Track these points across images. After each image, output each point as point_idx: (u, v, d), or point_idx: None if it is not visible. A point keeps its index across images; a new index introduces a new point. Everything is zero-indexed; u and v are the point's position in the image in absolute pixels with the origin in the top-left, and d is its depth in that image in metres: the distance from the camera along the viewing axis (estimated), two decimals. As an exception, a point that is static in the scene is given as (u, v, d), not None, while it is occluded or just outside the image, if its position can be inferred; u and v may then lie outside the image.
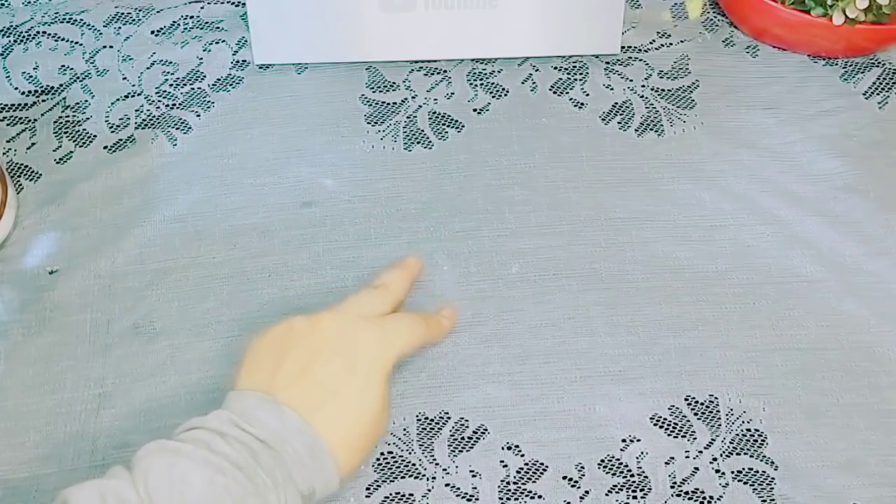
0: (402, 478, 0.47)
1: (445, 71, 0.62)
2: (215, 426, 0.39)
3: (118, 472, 0.37)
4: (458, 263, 0.54)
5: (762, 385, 0.50)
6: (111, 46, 0.63)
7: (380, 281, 0.48)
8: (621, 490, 0.46)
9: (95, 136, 0.59)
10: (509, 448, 0.48)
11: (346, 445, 0.41)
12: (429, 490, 0.46)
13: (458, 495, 0.46)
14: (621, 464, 0.47)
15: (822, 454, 0.47)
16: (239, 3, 0.65)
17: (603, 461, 0.47)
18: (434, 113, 0.60)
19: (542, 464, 0.47)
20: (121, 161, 0.57)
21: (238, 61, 0.62)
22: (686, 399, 0.49)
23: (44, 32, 0.63)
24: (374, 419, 0.43)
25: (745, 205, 0.56)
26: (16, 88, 0.61)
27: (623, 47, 0.63)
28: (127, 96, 0.61)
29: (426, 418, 0.48)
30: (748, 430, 0.48)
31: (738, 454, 0.47)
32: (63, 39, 0.63)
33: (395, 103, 0.60)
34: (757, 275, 0.53)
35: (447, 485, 0.47)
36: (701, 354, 0.51)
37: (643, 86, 0.61)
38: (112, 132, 0.59)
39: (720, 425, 0.48)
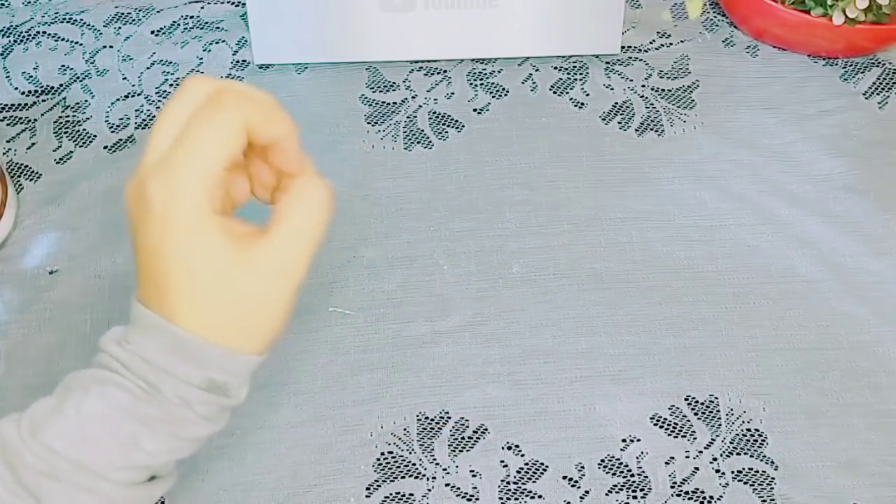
0: (402, 478, 0.47)
1: (445, 71, 0.62)
2: (106, 347, 0.36)
3: (12, 416, 0.35)
4: (458, 263, 0.54)
5: (762, 385, 0.50)
6: (111, 46, 0.63)
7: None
8: (621, 490, 0.46)
9: (95, 136, 0.59)
10: (509, 448, 0.48)
11: (212, 312, 0.35)
12: (429, 490, 0.46)
13: (458, 495, 0.46)
14: (621, 464, 0.47)
15: (822, 454, 0.47)
16: (239, 3, 0.65)
17: (603, 461, 0.47)
18: (434, 113, 0.60)
19: (542, 464, 0.47)
20: (121, 161, 0.57)
21: (238, 61, 0.62)
22: (686, 399, 0.49)
23: (44, 32, 0.63)
24: (224, 260, 0.34)
25: (745, 205, 0.56)
26: (16, 88, 0.61)
27: (623, 47, 0.63)
28: (127, 96, 0.61)
29: (426, 418, 0.48)
30: (748, 430, 0.48)
31: (738, 454, 0.47)
32: (63, 39, 0.63)
33: (395, 103, 0.60)
34: (757, 275, 0.53)
35: (447, 485, 0.47)
36: (701, 354, 0.51)
37: (643, 86, 0.61)
38: (112, 132, 0.59)
39: (720, 425, 0.48)
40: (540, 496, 0.46)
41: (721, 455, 0.47)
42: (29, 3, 0.65)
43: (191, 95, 0.36)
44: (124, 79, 0.61)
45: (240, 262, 0.35)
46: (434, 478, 0.47)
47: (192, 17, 0.64)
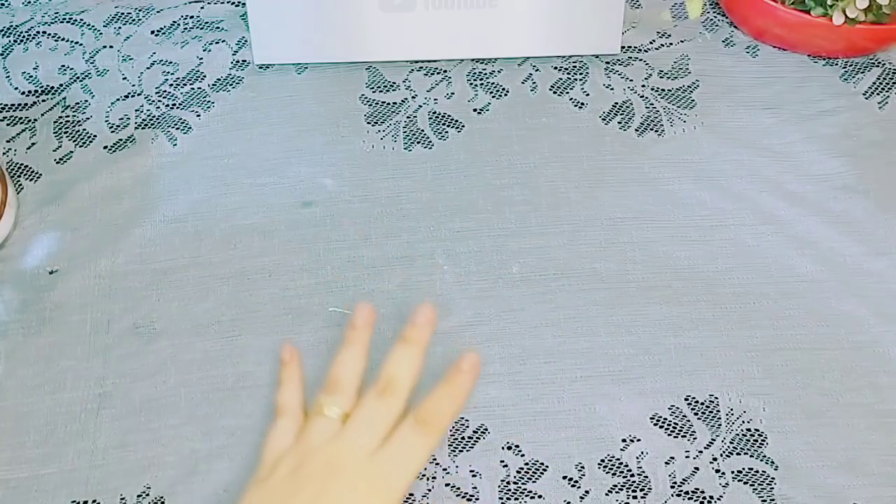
0: (403, 478, 0.47)
1: (445, 71, 0.62)
2: None
3: None
4: (458, 263, 0.54)
5: (762, 385, 0.50)
6: (111, 46, 0.63)
7: (384, 376, 0.43)
8: (621, 490, 0.46)
9: (95, 136, 0.59)
10: (509, 448, 0.48)
11: None
12: (429, 490, 0.46)
13: (458, 495, 0.46)
14: (621, 464, 0.47)
15: (822, 454, 0.47)
16: (239, 3, 0.65)
17: (603, 461, 0.47)
18: (434, 113, 0.60)
19: (542, 464, 0.47)
20: (121, 161, 0.57)
21: (238, 61, 0.62)
22: (686, 399, 0.49)
23: (44, 32, 0.63)
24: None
25: (745, 205, 0.56)
26: (16, 88, 0.61)
27: (623, 47, 0.63)
28: (127, 96, 0.61)
29: (426, 418, 0.48)
30: (748, 429, 0.48)
31: (738, 454, 0.47)
32: (63, 39, 0.63)
33: (395, 103, 0.60)
34: (757, 275, 0.53)
35: (447, 485, 0.47)
36: (701, 354, 0.51)
37: (643, 86, 0.61)
38: (112, 132, 0.59)
39: (720, 425, 0.48)
40: (540, 496, 0.46)
41: (721, 455, 0.47)
42: (29, 3, 0.65)
43: None
44: (124, 79, 0.61)
45: None
46: (434, 478, 0.47)
47: (192, 17, 0.64)
